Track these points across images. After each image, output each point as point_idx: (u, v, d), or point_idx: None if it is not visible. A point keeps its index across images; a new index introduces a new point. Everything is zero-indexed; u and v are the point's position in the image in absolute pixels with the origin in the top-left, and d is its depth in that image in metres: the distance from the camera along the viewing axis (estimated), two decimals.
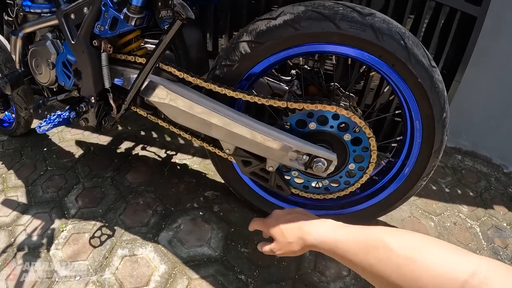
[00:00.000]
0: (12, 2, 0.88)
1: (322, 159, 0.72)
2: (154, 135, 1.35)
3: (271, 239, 0.59)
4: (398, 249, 0.35)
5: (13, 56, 0.96)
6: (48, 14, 0.83)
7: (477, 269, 0.28)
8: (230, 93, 0.72)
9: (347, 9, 0.64)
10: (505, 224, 1.11)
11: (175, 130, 0.85)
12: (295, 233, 0.51)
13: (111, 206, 1.02)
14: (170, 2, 0.78)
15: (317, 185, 0.87)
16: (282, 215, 0.57)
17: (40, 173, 1.13)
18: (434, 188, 1.22)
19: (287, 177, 0.86)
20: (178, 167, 1.19)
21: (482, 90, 1.28)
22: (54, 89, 0.94)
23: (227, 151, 0.79)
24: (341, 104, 0.70)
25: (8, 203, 1.01)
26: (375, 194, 0.89)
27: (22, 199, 1.03)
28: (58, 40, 0.84)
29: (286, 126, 0.75)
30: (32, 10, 0.84)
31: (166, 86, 0.74)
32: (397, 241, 0.36)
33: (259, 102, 0.71)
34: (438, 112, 0.70)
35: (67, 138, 1.29)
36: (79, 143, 1.27)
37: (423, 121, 0.74)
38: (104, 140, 1.29)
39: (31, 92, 1.16)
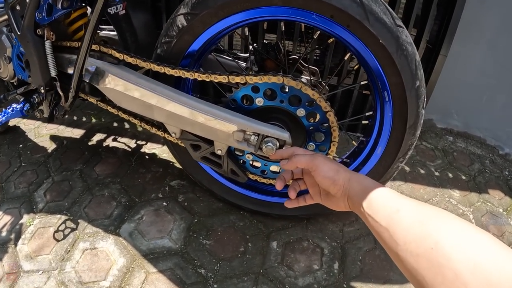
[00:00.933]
0: None
1: (272, 139, 0.64)
2: (126, 125, 1.31)
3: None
4: (455, 262, 0.27)
5: None
6: (2, 10, 0.81)
7: None
8: (169, 71, 0.66)
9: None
10: (501, 210, 0.99)
11: (124, 116, 0.80)
12: (344, 176, 0.44)
13: (77, 199, 0.98)
14: None
15: (277, 170, 0.78)
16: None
17: (14, 169, 1.11)
18: (422, 172, 1.11)
19: (242, 162, 0.78)
20: (147, 157, 1.15)
21: (472, 65, 1.15)
22: (15, 83, 0.91)
23: (173, 134, 0.73)
24: (289, 75, 0.61)
25: None
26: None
27: None
28: (12, 34, 0.81)
29: (232, 105, 0.67)
30: None
31: (106, 69, 0.69)
32: (456, 249, 0.28)
33: (199, 79, 0.65)
34: (409, 80, 0.61)
35: (42, 134, 1.27)
36: (53, 137, 1.25)
37: (392, 91, 0.64)
38: (77, 133, 1.26)
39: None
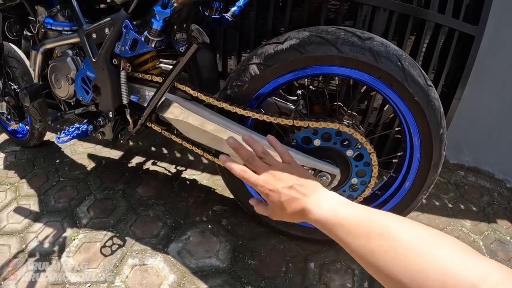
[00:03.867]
0: (34, 19, 0.97)
1: (326, 174, 0.79)
2: (164, 151, 1.42)
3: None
4: (405, 240, 0.32)
5: (32, 70, 1.04)
6: (69, 32, 0.91)
7: (488, 273, 0.27)
8: (240, 111, 0.79)
9: (348, 34, 0.72)
10: (508, 238, 1.16)
11: (187, 145, 0.92)
12: (297, 208, 0.44)
13: (122, 218, 1.07)
14: (184, 25, 0.87)
15: None
16: (284, 178, 0.47)
17: (52, 183, 1.19)
18: (437, 203, 1.27)
19: None
20: (188, 182, 1.25)
21: (483, 106, 1.36)
22: (72, 103, 1.02)
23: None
24: (343, 122, 0.77)
25: (20, 210, 1.06)
26: (378, 208, 0.95)
27: (34, 207, 1.08)
28: (77, 57, 0.93)
29: (293, 143, 0.82)
30: (53, 28, 0.92)
31: (181, 103, 0.82)
32: (404, 230, 0.33)
33: (268, 120, 0.79)
34: (435, 128, 0.77)
35: (79, 151, 1.36)
36: (91, 156, 1.34)
37: (421, 137, 0.80)
38: (115, 154, 1.36)
39: (46, 106, 1.24)
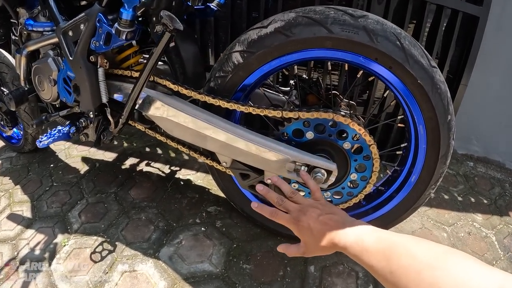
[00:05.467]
0: (16, 22, 0.92)
1: (321, 170, 0.71)
2: (159, 151, 1.37)
3: (295, 238, 0.53)
4: (421, 257, 0.34)
5: (19, 74, 1.00)
6: (50, 33, 0.87)
7: (503, 285, 0.27)
8: (224, 104, 0.72)
9: (339, 12, 0.64)
10: None
11: (172, 144, 0.85)
12: (329, 239, 0.47)
13: (114, 222, 1.02)
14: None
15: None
16: (313, 214, 0.50)
17: (45, 188, 1.15)
18: (446, 197, 1.17)
19: None
20: (182, 183, 1.19)
21: (491, 92, 1.24)
22: (57, 105, 0.97)
23: (224, 164, 0.78)
24: (339, 111, 0.68)
25: (13, 217, 1.03)
26: (382, 205, 0.86)
27: (27, 213, 1.04)
28: (59, 57, 0.87)
29: (283, 137, 0.74)
30: (34, 29, 0.88)
31: (161, 99, 0.76)
32: (421, 249, 0.35)
33: (254, 113, 0.71)
34: (442, 115, 0.68)
35: (73, 155, 1.32)
36: (85, 159, 1.29)
37: (426, 125, 0.71)
38: (109, 156, 1.31)
39: (37, 110, 1.20)
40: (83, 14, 0.72)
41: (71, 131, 0.85)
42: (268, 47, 0.68)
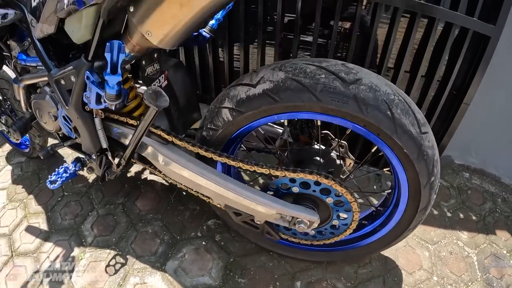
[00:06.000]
0: (8, 54, 0.90)
1: (304, 220, 0.75)
2: None
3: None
4: None
5: (19, 100, 1.01)
6: (43, 68, 0.85)
7: None
8: (216, 158, 0.74)
9: (330, 77, 0.62)
10: (505, 252, 1.11)
11: (171, 181, 0.89)
12: None
13: (123, 235, 1.12)
14: (155, 55, 0.77)
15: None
16: None
17: (57, 199, 1.24)
18: (435, 212, 1.22)
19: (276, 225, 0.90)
20: (184, 193, 1.26)
21: (494, 107, 1.20)
22: (61, 135, 1.00)
23: (218, 205, 0.83)
24: (322, 173, 0.70)
25: (31, 230, 1.13)
26: (364, 237, 0.92)
27: (44, 226, 1.15)
28: (55, 95, 0.87)
29: (271, 188, 0.77)
30: (27, 64, 0.86)
31: (157, 149, 0.78)
32: None
33: (243, 168, 0.73)
34: (425, 178, 0.69)
35: None
36: None
37: (409, 183, 0.73)
38: None
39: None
40: (71, 67, 0.71)
41: (76, 168, 0.89)
42: (257, 109, 0.67)
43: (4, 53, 0.92)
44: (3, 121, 1.19)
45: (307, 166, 0.80)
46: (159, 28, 0.59)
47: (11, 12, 0.79)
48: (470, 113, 1.18)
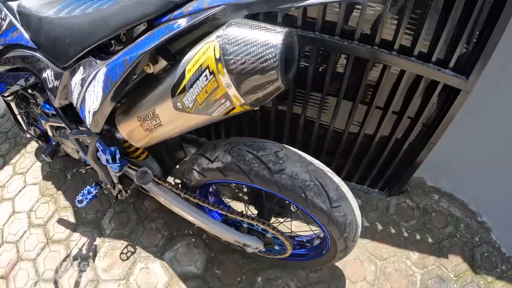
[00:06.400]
0: (35, 101, 1.28)
1: (251, 245, 1.13)
2: None
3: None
4: None
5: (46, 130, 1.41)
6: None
7: None
8: (194, 200, 1.10)
9: (261, 167, 0.93)
10: (452, 275, 1.41)
11: None
12: None
13: (133, 229, 1.60)
14: None
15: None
16: None
17: None
18: (392, 231, 1.52)
19: None
20: None
21: (470, 138, 1.37)
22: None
23: None
24: (260, 220, 1.06)
25: (62, 222, 1.65)
26: (304, 255, 1.30)
27: (71, 218, 1.66)
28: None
29: (229, 222, 1.16)
30: (51, 113, 1.24)
31: (150, 188, 1.16)
32: None
33: (209, 207, 1.10)
34: (337, 235, 1.03)
35: None
36: None
37: (327, 235, 1.07)
38: None
39: None
40: (85, 135, 1.07)
41: (97, 191, 1.31)
42: (214, 177, 1.01)
43: (30, 101, 1.30)
44: (32, 133, 1.62)
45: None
46: (136, 142, 0.94)
47: (32, 78, 1.15)
48: (445, 139, 1.38)
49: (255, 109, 0.72)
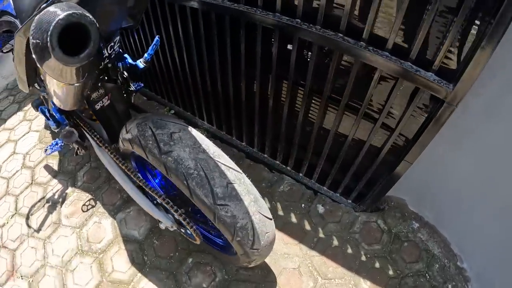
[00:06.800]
0: None
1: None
2: None
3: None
4: None
5: None
6: None
7: None
8: (118, 162, 1.12)
9: (154, 144, 0.91)
10: None
11: None
12: None
13: (100, 186, 1.70)
14: (99, 84, 1.14)
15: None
16: None
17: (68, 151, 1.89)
18: (349, 251, 1.31)
19: None
20: None
21: (463, 165, 1.10)
22: None
23: None
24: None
25: (47, 168, 1.84)
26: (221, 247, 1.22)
27: (55, 166, 1.84)
28: None
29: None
30: None
31: (96, 151, 1.23)
32: None
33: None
34: (229, 237, 0.92)
35: None
36: None
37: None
38: None
39: None
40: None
41: (62, 144, 1.43)
42: (127, 148, 1.03)
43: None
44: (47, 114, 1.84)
45: None
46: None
47: None
48: (433, 162, 1.14)
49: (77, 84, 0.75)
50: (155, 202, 1.18)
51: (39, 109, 1.46)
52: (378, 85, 1.00)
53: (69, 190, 1.73)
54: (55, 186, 1.75)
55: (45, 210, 1.67)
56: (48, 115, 1.25)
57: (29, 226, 1.61)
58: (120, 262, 1.42)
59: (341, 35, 0.94)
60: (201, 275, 1.33)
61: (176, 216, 1.07)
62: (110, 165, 1.21)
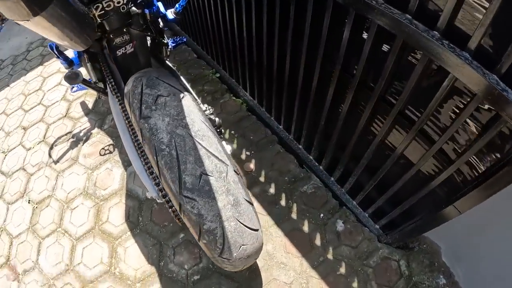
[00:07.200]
0: None
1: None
2: None
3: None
4: None
5: None
6: None
7: None
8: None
9: (137, 105, 0.81)
10: None
11: None
12: None
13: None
14: (124, 30, 1.05)
15: None
16: None
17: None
18: (354, 285, 1.11)
19: None
20: None
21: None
22: None
23: None
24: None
25: (83, 104, 1.88)
26: None
27: (90, 105, 1.86)
28: None
29: None
30: None
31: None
32: None
33: None
34: (196, 236, 0.80)
35: None
36: None
37: None
38: None
39: None
40: None
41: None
42: None
43: None
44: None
45: None
46: None
47: None
48: (485, 222, 0.88)
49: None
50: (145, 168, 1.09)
51: (48, 45, 1.44)
52: (446, 97, 0.76)
53: (95, 130, 1.75)
54: (84, 123, 1.79)
55: (68, 144, 1.72)
56: (56, 52, 1.20)
57: (50, 156, 1.67)
58: (116, 215, 1.40)
59: (409, 16, 0.70)
60: (187, 255, 1.25)
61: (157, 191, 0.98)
62: (117, 115, 1.14)
